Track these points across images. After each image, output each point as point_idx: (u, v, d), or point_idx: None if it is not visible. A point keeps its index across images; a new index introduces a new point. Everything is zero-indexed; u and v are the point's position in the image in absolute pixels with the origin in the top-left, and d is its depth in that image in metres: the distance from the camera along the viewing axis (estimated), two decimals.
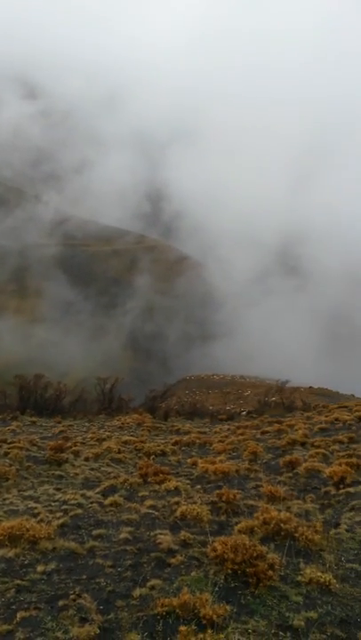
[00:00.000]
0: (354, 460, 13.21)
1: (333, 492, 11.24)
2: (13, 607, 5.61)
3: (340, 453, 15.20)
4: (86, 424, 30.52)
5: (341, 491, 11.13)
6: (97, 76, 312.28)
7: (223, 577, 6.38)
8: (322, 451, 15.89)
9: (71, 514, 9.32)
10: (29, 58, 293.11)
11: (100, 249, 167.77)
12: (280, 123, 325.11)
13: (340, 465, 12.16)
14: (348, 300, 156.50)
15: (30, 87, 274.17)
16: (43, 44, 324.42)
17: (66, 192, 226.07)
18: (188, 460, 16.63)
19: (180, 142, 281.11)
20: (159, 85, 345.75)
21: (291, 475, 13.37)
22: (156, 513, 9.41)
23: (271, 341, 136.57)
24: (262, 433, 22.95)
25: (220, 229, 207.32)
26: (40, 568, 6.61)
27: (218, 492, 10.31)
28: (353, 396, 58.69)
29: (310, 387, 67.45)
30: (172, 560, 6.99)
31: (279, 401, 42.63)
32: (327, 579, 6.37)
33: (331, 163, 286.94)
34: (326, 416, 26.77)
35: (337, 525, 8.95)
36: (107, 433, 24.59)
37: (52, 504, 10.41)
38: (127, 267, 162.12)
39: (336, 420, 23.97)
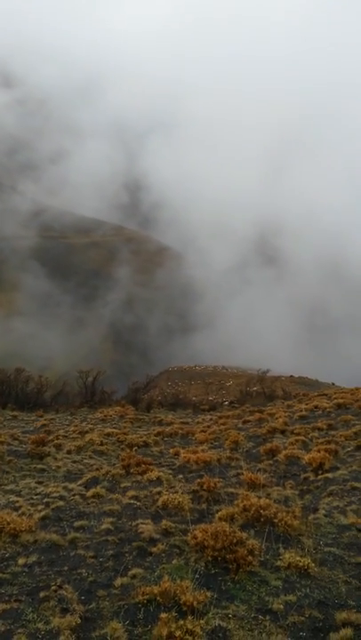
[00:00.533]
0: (332, 446, 13.44)
1: (312, 477, 11.44)
2: None
3: (319, 440, 15.44)
4: (68, 417, 30.41)
5: (320, 477, 11.33)
6: (73, 64, 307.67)
7: (204, 564, 6.47)
8: (301, 438, 16.13)
9: (53, 506, 9.32)
10: (4, 45, 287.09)
11: (78, 240, 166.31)
12: (257, 113, 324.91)
13: (318, 451, 12.36)
14: (325, 290, 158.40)
15: (5, 75, 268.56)
16: (18, 31, 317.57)
17: (42, 182, 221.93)
18: (171, 451, 16.72)
19: (158, 133, 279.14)
20: (137, 75, 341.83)
21: (271, 462, 13.55)
22: (138, 503, 9.46)
23: (250, 331, 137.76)
24: (244, 422, 23.18)
25: (199, 220, 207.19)
26: (21, 561, 6.61)
27: (199, 480, 10.41)
28: (333, 384, 59.53)
29: (291, 376, 68.20)
30: (154, 549, 7.05)
31: (260, 390, 43.07)
32: (306, 563, 6.51)
33: (306, 154, 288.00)
34: (306, 404, 27.14)
35: (315, 510, 9.12)
36: (89, 426, 24.54)
37: (34, 497, 10.39)
38: (106, 258, 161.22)
39: (316, 407, 24.32)
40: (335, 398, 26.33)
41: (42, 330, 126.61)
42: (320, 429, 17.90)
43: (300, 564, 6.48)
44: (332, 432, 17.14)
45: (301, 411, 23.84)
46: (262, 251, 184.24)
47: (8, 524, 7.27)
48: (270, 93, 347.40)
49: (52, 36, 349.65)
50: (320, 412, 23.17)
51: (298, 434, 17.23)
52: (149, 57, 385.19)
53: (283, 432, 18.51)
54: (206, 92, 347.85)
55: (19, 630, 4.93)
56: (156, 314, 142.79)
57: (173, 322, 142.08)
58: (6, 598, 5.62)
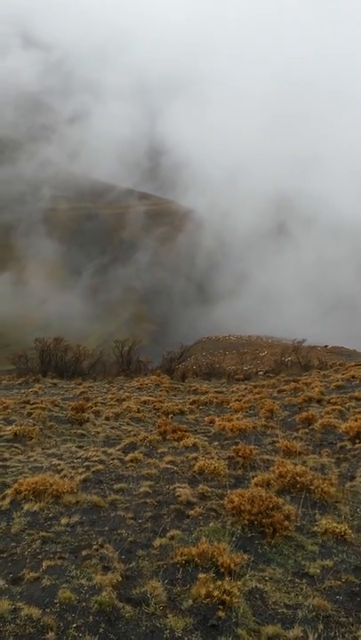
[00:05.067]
0: None
1: (349, 446, 11.36)
2: (39, 557, 5.87)
3: (356, 409, 15.29)
4: (106, 385, 31.06)
5: (357, 445, 11.25)
6: (94, 23, 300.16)
7: (240, 527, 6.57)
8: (338, 407, 15.99)
9: (93, 469, 9.60)
10: (23, 6, 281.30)
11: (99, 206, 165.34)
12: (281, 73, 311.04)
13: (355, 420, 12.23)
14: (356, 255, 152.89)
15: (25, 36, 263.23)
16: None
17: (61, 145, 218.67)
18: (206, 419, 16.90)
19: (179, 94, 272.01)
20: (158, 35, 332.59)
21: (307, 431, 13.52)
22: (175, 468, 9.64)
23: (276, 300, 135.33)
24: (279, 391, 23.12)
25: (219, 183, 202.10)
26: (64, 520, 6.87)
27: (235, 447, 10.49)
28: None
29: (326, 345, 67.23)
30: (191, 512, 7.20)
31: (295, 360, 42.68)
32: (342, 529, 6.53)
33: (326, 117, 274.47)
34: (343, 374, 26.80)
35: (352, 478, 9.09)
36: (126, 394, 25.01)
37: (75, 461, 10.72)
38: (137, 225, 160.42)
39: (352, 377, 24.00)
40: None
41: (75, 298, 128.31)
42: (357, 399, 17.68)
43: (337, 530, 6.51)
44: None
45: (338, 380, 23.57)
46: (286, 216, 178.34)
47: (51, 485, 7.55)
48: (292, 52, 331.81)
49: None
50: (357, 381, 22.86)
51: (334, 403, 17.08)
52: (170, 16, 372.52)
53: (319, 401, 18.38)
54: (228, 52, 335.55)
55: (63, 585, 5.16)
56: (188, 284, 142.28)
57: (206, 291, 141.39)
58: (51, 555, 5.88)
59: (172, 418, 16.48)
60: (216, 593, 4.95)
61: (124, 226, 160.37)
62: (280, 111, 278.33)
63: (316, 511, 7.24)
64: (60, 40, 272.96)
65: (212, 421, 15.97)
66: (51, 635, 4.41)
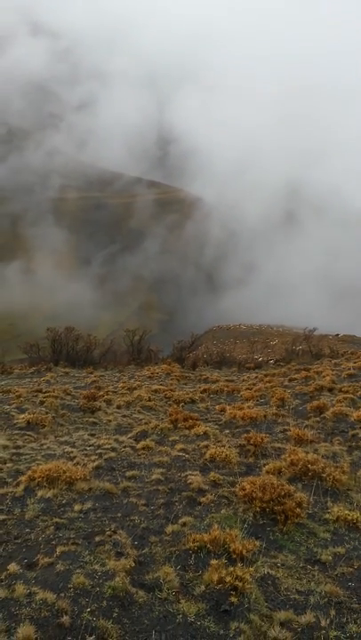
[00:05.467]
0: None
1: None
2: (53, 542, 5.95)
3: None
4: (117, 374, 31.20)
5: None
6: (102, 9, 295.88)
7: (252, 514, 6.60)
8: (350, 396, 15.91)
9: (105, 457, 9.69)
10: None
11: (121, 200, 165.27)
12: (292, 64, 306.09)
13: None
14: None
15: (33, 23, 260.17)
16: None
17: (69, 133, 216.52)
18: (217, 407, 16.92)
19: (188, 82, 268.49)
20: (166, 22, 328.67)
21: (318, 419, 13.49)
22: (187, 456, 9.69)
23: (287, 289, 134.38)
24: (290, 380, 23.06)
25: (227, 171, 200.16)
26: (77, 507, 6.95)
27: (246, 435, 10.51)
28: None
29: (337, 334, 66.81)
30: (203, 499, 7.24)
31: (306, 349, 42.50)
32: (355, 516, 6.53)
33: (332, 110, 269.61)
34: (355, 362, 26.64)
35: None
36: (137, 382, 25.11)
37: (87, 448, 10.82)
38: (145, 214, 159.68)
39: None
40: None
41: (85, 288, 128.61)
42: None
43: (349, 517, 6.52)
44: None
45: (349, 369, 23.44)
46: (294, 205, 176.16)
47: (64, 472, 7.63)
48: (303, 42, 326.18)
49: None
50: None
51: (346, 392, 17.01)
52: (179, 4, 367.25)
53: (330, 390, 18.31)
54: (238, 41, 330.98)
55: (77, 570, 5.23)
56: (197, 273, 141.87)
57: (215, 280, 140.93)
58: (64, 541, 5.95)
59: (183, 406, 16.54)
60: (228, 579, 4.99)
61: (132, 214, 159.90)
62: (290, 102, 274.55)
63: (328, 499, 7.24)
64: (69, 28, 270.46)
65: (223, 410, 15.99)
66: (65, 618, 4.48)
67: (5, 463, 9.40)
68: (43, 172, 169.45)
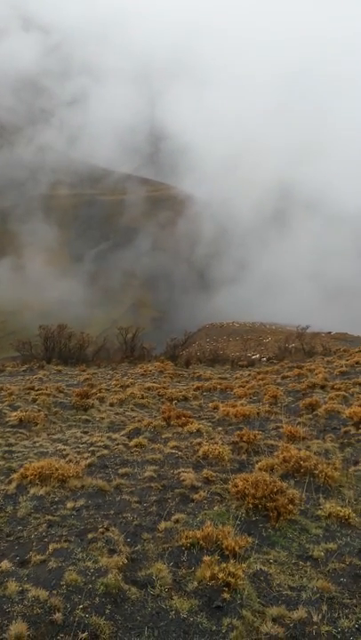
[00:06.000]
0: None
1: (353, 431, 11.39)
2: (45, 540, 5.93)
3: (360, 395, 15.28)
4: (110, 372, 31.16)
5: None
6: (94, 4, 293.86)
7: (244, 511, 6.62)
8: (342, 393, 16.00)
9: (98, 454, 9.67)
10: None
11: (113, 197, 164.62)
12: (283, 58, 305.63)
13: (359, 406, 12.24)
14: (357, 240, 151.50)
15: (25, 18, 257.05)
16: None
17: (60, 129, 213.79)
18: (210, 405, 16.95)
19: (179, 78, 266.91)
20: (158, 17, 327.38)
21: (311, 416, 13.55)
22: (180, 453, 9.69)
23: (279, 286, 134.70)
24: (283, 378, 23.15)
25: (219, 168, 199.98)
26: (70, 504, 6.94)
27: (239, 432, 10.53)
28: None
29: (330, 332, 67.16)
30: (195, 496, 7.26)
31: (299, 346, 42.66)
32: (346, 513, 6.57)
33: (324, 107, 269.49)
34: (347, 360, 26.78)
35: (356, 463, 9.12)
36: (130, 380, 25.08)
37: (80, 446, 10.80)
38: (137, 211, 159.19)
39: (357, 363, 23.98)
40: None
41: (77, 285, 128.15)
42: None
43: (341, 513, 6.55)
44: None
45: (342, 366, 23.56)
46: (287, 202, 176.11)
47: (57, 470, 7.61)
48: (294, 40, 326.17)
49: None
50: None
51: (338, 389, 17.09)
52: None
53: (322, 387, 18.40)
54: (230, 38, 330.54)
55: (69, 568, 5.22)
56: (182, 268, 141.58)
57: (208, 277, 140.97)
58: (57, 539, 5.94)
59: (176, 404, 16.54)
60: (221, 575, 5.00)
61: (124, 211, 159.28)
62: (284, 96, 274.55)
63: (320, 495, 7.28)
64: (60, 22, 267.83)
65: (216, 407, 16.02)
66: (58, 615, 4.47)
67: None
68: (33, 167, 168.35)
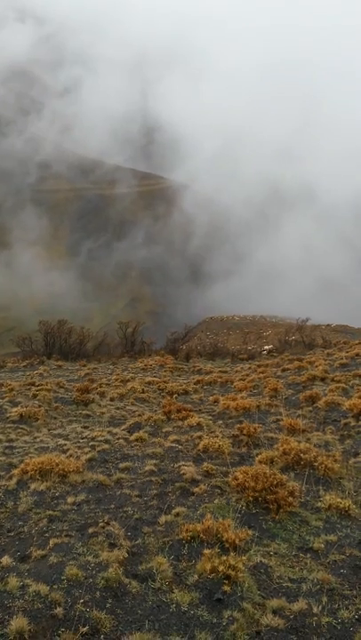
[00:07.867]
0: None
1: (353, 423, 11.40)
2: (46, 535, 5.95)
3: None
4: (110, 367, 31.18)
5: None
6: None
7: (245, 504, 6.63)
8: (342, 385, 16.00)
9: (99, 449, 9.69)
10: None
11: (106, 189, 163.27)
12: (277, 50, 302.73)
13: (359, 398, 12.25)
14: (354, 230, 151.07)
15: (20, 10, 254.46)
16: None
17: (53, 119, 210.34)
18: (210, 398, 16.98)
19: (173, 69, 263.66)
20: (153, 9, 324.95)
21: (311, 409, 13.57)
22: (180, 447, 9.71)
23: (277, 278, 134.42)
24: (283, 370, 23.15)
25: (213, 158, 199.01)
26: (70, 499, 6.95)
27: (239, 426, 10.55)
28: None
29: (330, 324, 67.09)
30: (196, 489, 7.27)
31: (299, 339, 42.65)
32: (346, 504, 6.57)
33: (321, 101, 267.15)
34: (347, 352, 26.77)
35: (356, 455, 9.13)
36: (130, 375, 25.12)
37: (81, 441, 10.82)
38: (131, 203, 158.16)
39: (357, 355, 23.96)
40: None
41: (74, 279, 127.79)
42: None
43: (341, 505, 6.56)
44: None
45: (342, 359, 23.55)
46: (284, 193, 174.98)
47: (57, 465, 7.62)
48: (288, 33, 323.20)
49: None
50: None
51: (338, 381, 17.09)
52: None
53: (323, 380, 18.40)
54: (225, 29, 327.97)
55: (70, 562, 5.24)
56: (178, 261, 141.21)
57: (206, 271, 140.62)
58: (57, 534, 5.96)
59: (176, 398, 16.57)
60: (221, 568, 5.01)
61: (118, 203, 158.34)
62: (278, 87, 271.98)
63: (320, 487, 7.29)
64: (52, 11, 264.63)
65: (216, 401, 16.04)
66: (59, 610, 4.48)
67: None
68: (25, 158, 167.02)
